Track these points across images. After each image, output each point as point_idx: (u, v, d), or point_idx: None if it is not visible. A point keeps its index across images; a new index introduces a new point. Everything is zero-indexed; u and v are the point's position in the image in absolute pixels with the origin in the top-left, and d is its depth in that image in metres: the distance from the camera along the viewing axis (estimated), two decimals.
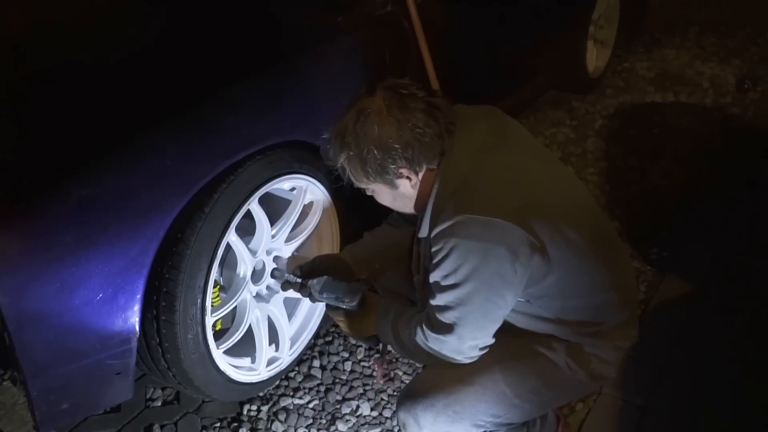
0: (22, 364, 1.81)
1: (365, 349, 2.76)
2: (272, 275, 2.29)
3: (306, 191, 2.41)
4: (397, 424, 2.46)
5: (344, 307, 2.06)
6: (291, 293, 2.20)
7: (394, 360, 2.72)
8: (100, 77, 2.20)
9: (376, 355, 2.71)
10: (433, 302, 1.87)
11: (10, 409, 2.44)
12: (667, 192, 3.76)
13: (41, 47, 2.38)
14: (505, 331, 1.93)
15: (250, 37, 2.46)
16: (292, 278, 2.13)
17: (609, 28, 4.75)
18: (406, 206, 1.98)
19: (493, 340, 1.90)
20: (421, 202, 1.92)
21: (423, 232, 1.90)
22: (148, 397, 2.56)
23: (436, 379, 1.99)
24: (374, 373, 2.69)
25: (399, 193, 1.91)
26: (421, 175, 1.87)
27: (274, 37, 2.48)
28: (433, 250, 1.83)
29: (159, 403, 2.55)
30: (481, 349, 1.90)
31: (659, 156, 4.08)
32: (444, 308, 1.84)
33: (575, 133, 4.36)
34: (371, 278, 2.35)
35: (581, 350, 1.98)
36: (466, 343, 1.87)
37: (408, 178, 1.86)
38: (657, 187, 3.81)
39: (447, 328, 1.85)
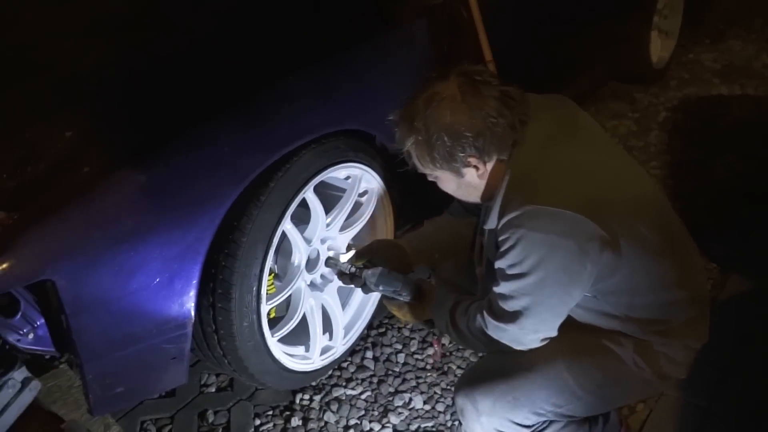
0: (79, 348, 1.84)
1: (419, 342, 2.74)
2: (326, 264, 2.29)
3: (361, 180, 2.40)
4: (453, 413, 2.45)
5: (400, 299, 2.06)
6: (345, 283, 2.19)
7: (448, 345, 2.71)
8: (159, 68, 2.22)
9: (434, 336, 2.71)
10: (496, 289, 1.84)
11: (65, 392, 2.48)
12: (733, 187, 3.65)
13: (101, 38, 2.41)
14: (570, 324, 1.90)
15: (307, 26, 2.45)
16: (347, 268, 2.12)
17: (673, 18, 4.64)
18: (470, 195, 1.94)
19: (555, 333, 1.87)
20: (488, 193, 1.89)
21: (491, 224, 1.86)
22: (202, 383, 2.59)
23: (496, 365, 1.97)
24: (432, 354, 2.68)
25: (464, 181, 1.88)
26: (489, 165, 1.84)
27: (330, 26, 2.46)
28: (500, 239, 1.79)
29: (213, 389, 2.57)
30: (542, 340, 1.87)
31: (724, 150, 3.96)
32: (508, 297, 1.81)
33: (637, 125, 4.27)
34: (430, 267, 2.33)
35: (650, 348, 1.93)
36: (528, 334, 1.84)
37: (476, 167, 1.83)
38: (722, 181, 3.70)
39: (509, 317, 1.82)
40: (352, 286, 2.16)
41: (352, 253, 2.20)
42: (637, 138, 4.12)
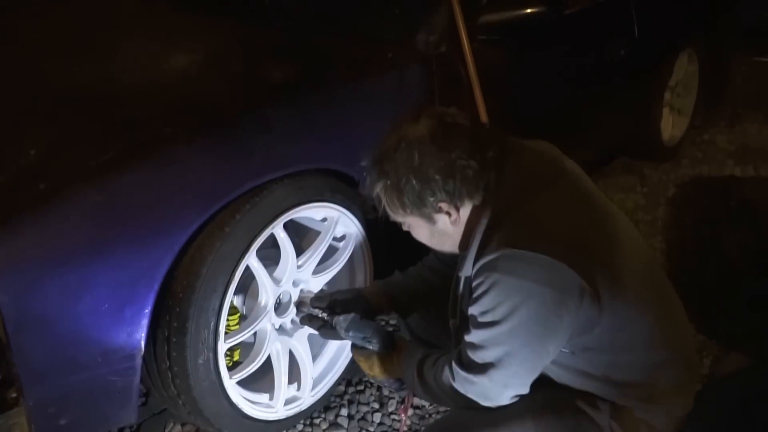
0: (19, 368, 1.74)
1: (398, 401, 2.60)
2: (296, 306, 2.19)
3: (337, 222, 2.31)
4: None
5: (370, 347, 1.95)
6: (312, 329, 2.11)
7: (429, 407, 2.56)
8: (145, 84, 2.20)
9: (401, 405, 2.55)
10: (467, 338, 1.72)
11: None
12: (742, 264, 3.51)
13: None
14: (543, 382, 1.77)
15: (299, 61, 2.42)
16: (315, 312, 2.03)
17: (687, 97, 4.56)
18: (445, 244, 1.85)
19: (526, 390, 1.74)
20: (465, 241, 1.79)
21: (466, 271, 1.77)
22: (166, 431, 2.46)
23: (460, 421, 1.84)
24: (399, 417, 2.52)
25: (437, 229, 1.79)
26: (463, 212, 1.74)
27: (322, 64, 2.42)
28: (474, 283, 1.69)
29: None
30: (513, 397, 1.74)
31: (735, 227, 3.83)
32: (478, 346, 1.69)
33: (646, 199, 4.16)
34: (394, 316, 2.23)
35: (629, 414, 1.79)
36: (497, 387, 1.71)
37: (448, 213, 1.74)
38: (731, 258, 3.56)
39: (478, 368, 1.70)
40: (318, 332, 2.08)
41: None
42: (645, 212, 4.01)
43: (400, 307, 2.21)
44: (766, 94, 5.80)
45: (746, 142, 4.99)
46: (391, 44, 2.56)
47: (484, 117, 2.67)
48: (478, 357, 1.69)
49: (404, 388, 2.04)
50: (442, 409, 2.54)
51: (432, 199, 1.70)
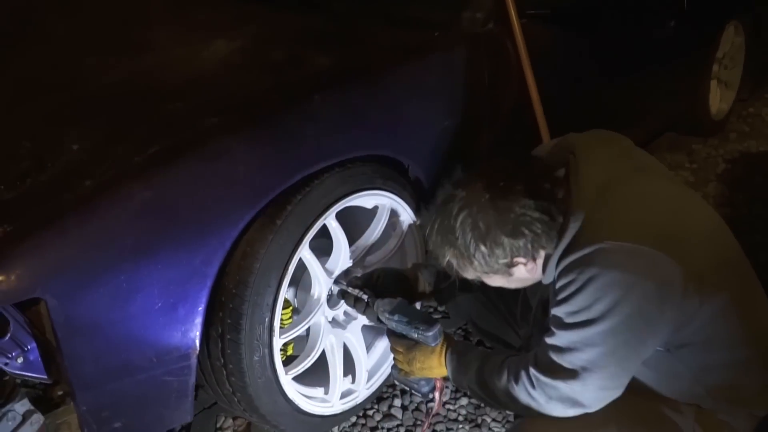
0: (71, 375, 1.69)
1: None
2: (338, 291, 2.13)
3: (389, 210, 2.24)
4: None
5: (415, 336, 1.85)
6: (357, 310, 2.04)
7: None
8: (187, 77, 2.14)
9: (431, 406, 2.42)
10: (551, 341, 1.63)
11: (75, 430, 2.33)
12: None
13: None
14: (626, 389, 1.67)
15: (344, 48, 2.35)
16: (356, 292, 1.96)
17: (734, 69, 4.45)
18: (524, 284, 1.80)
19: (621, 392, 1.64)
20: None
21: (548, 277, 1.69)
22: (218, 426, 2.42)
23: (542, 428, 1.73)
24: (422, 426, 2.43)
25: (513, 279, 1.74)
26: (539, 261, 1.68)
27: (368, 49, 2.35)
28: (561, 284, 1.61)
29: None
30: (605, 401, 1.64)
31: None
32: (567, 350, 1.60)
33: (695, 176, 4.05)
34: (439, 303, 2.15)
35: (712, 417, 1.72)
36: (593, 392, 1.61)
37: (524, 264, 1.68)
38: None
39: (568, 374, 1.60)
40: (357, 313, 2.02)
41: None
42: (695, 189, 3.87)
43: (443, 295, 2.16)
44: None
45: None
46: (436, 24, 2.48)
47: (535, 97, 2.59)
48: (567, 361, 1.60)
49: (432, 396, 1.95)
50: None
51: (505, 260, 1.65)
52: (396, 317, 1.86)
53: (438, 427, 2.40)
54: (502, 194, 1.62)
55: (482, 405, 2.46)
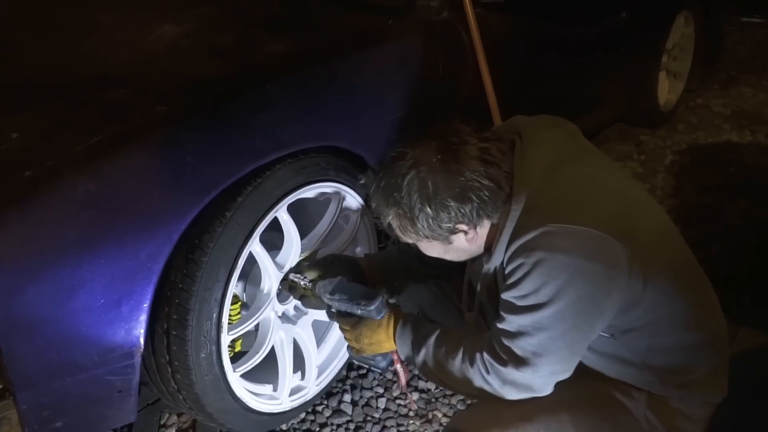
0: (11, 374, 1.61)
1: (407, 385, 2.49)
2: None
3: (342, 202, 2.19)
4: None
5: (359, 312, 1.81)
6: (295, 298, 2.04)
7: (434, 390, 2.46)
8: (134, 62, 2.05)
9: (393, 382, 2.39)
10: (502, 326, 1.62)
11: (16, 425, 2.25)
12: (745, 234, 3.44)
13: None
14: (578, 372, 1.67)
15: (295, 35, 2.28)
16: (299, 278, 1.93)
17: (683, 60, 4.48)
18: (460, 257, 1.78)
19: (569, 374, 1.64)
20: (489, 240, 1.70)
21: (494, 261, 1.67)
22: (162, 423, 2.34)
23: (491, 414, 1.72)
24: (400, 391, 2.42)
25: (452, 247, 1.71)
26: (480, 230, 1.67)
27: (321, 35, 2.29)
28: (510, 268, 1.59)
29: (173, 431, 2.32)
30: (555, 384, 1.64)
31: (736, 195, 3.76)
32: (518, 335, 1.59)
33: (643, 167, 4.07)
34: (388, 293, 2.11)
35: (665, 403, 1.72)
36: (544, 377, 1.61)
37: (465, 232, 1.66)
38: (734, 228, 3.49)
39: (519, 359, 1.59)
40: (300, 301, 2.01)
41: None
42: (644, 180, 3.91)
43: (393, 286, 2.14)
44: (759, 56, 5.74)
45: (741, 105, 4.94)
46: (390, 11, 2.43)
47: (489, 85, 2.57)
48: (518, 347, 1.59)
49: (391, 369, 1.92)
50: (449, 392, 2.45)
51: (448, 225, 1.63)
52: (337, 296, 1.82)
53: (388, 423, 2.37)
54: (454, 157, 1.60)
55: (433, 400, 2.43)
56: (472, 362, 1.67)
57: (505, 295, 1.62)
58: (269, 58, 2.10)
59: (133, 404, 1.83)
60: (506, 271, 1.62)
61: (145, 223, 1.71)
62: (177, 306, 1.81)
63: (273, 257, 2.06)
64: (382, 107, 2.25)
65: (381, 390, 2.50)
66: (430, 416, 2.39)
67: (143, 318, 1.75)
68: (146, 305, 1.75)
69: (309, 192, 2.06)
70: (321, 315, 2.23)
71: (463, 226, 1.64)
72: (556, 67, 3.11)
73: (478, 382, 1.66)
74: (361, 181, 1.86)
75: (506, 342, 1.60)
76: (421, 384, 2.49)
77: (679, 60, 4.45)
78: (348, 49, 2.21)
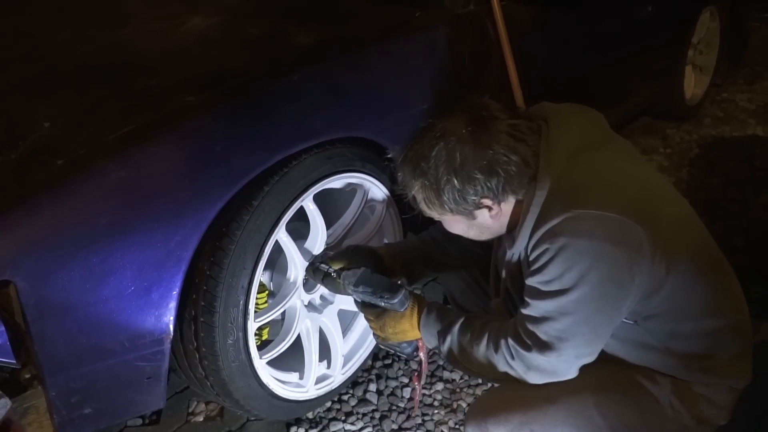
0: (41, 359, 1.64)
1: (428, 375, 2.51)
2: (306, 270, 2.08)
3: (367, 193, 2.20)
4: None
5: (382, 304, 1.83)
6: (319, 286, 2.07)
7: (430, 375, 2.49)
8: (164, 52, 2.06)
9: (414, 372, 2.38)
10: (526, 312, 1.63)
11: (42, 414, 2.27)
12: None
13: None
14: (602, 357, 1.68)
15: (323, 26, 2.29)
16: (324, 267, 1.93)
17: (709, 54, 4.46)
18: (482, 235, 1.79)
19: (594, 358, 1.65)
20: (513, 222, 1.71)
21: (519, 245, 1.68)
22: (190, 410, 2.37)
23: (514, 395, 1.74)
24: (413, 390, 2.42)
25: (476, 223, 1.73)
26: (504, 206, 1.68)
27: (349, 27, 2.30)
28: (535, 254, 1.60)
29: (201, 419, 2.35)
30: (579, 369, 1.65)
31: (762, 190, 3.73)
32: (543, 320, 1.59)
33: (669, 161, 4.05)
34: (408, 283, 2.12)
35: (689, 389, 1.72)
36: (569, 361, 1.62)
37: (489, 208, 1.67)
38: (759, 221, 3.46)
39: (544, 345, 1.60)
40: (324, 285, 1.98)
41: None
42: (669, 174, 3.90)
43: (413, 274, 2.14)
44: None
45: (766, 100, 4.89)
46: (418, 3, 2.43)
47: (514, 78, 2.56)
48: (543, 332, 1.60)
49: (416, 355, 1.92)
50: (473, 381, 2.46)
51: (474, 198, 1.64)
52: (361, 288, 1.83)
53: (413, 412, 2.38)
54: (484, 129, 1.62)
55: (458, 390, 2.44)
56: (496, 348, 1.67)
57: (530, 281, 1.62)
58: (297, 49, 2.11)
59: (163, 390, 1.85)
60: (530, 258, 1.62)
61: (174, 211, 1.73)
62: (205, 293, 1.83)
63: (299, 246, 2.08)
64: (408, 99, 2.26)
65: (406, 380, 2.51)
66: (454, 406, 2.40)
67: (173, 305, 1.77)
68: (175, 292, 1.77)
69: (335, 182, 2.07)
70: (347, 305, 2.26)
71: (488, 201, 1.65)
72: (582, 60, 3.10)
73: (503, 367, 1.67)
74: (389, 155, 1.89)
75: (531, 327, 1.61)
76: (446, 374, 2.50)
77: (704, 54, 4.42)
78: (375, 41, 2.22)
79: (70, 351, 1.67)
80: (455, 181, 1.62)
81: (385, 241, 2.37)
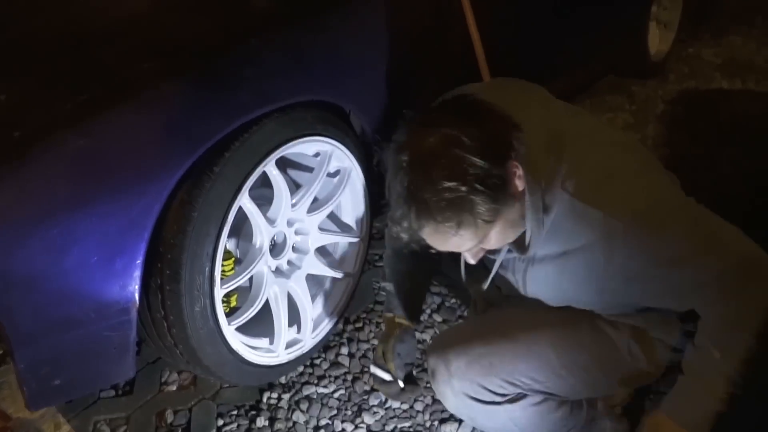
0: (8, 330, 1.63)
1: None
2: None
3: (331, 157, 2.19)
4: (433, 413, 2.27)
5: None
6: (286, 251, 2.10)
7: None
8: (119, 19, 2.02)
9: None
10: (687, 275, 1.54)
11: (16, 390, 2.28)
12: (737, 181, 3.46)
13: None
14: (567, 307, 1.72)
15: None
16: (385, 376, 2.02)
17: (673, 10, 4.46)
18: (517, 229, 1.61)
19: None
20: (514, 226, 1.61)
21: (535, 249, 1.63)
22: (162, 380, 2.38)
23: (476, 329, 1.82)
24: None
25: (519, 204, 1.55)
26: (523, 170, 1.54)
27: None
28: (616, 261, 1.54)
29: (174, 388, 2.36)
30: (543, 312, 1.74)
31: (727, 144, 3.78)
32: (701, 251, 1.53)
33: (635, 118, 4.08)
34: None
35: (646, 334, 1.76)
36: (751, 250, 1.58)
37: (516, 170, 1.51)
38: (725, 176, 3.51)
39: (731, 262, 1.54)
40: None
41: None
42: (635, 131, 3.93)
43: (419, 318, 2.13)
44: (749, 5, 5.71)
45: (732, 54, 4.94)
46: None
47: (476, 39, 2.56)
48: (712, 263, 1.53)
49: None
50: None
51: (500, 173, 1.47)
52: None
53: None
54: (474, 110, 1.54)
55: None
56: (730, 329, 1.54)
57: (643, 275, 1.56)
58: (254, 13, 2.09)
59: (131, 360, 1.86)
60: (613, 270, 1.56)
61: (135, 180, 1.72)
62: (170, 261, 1.83)
63: (264, 212, 2.08)
64: (368, 61, 2.25)
65: (377, 342, 2.53)
66: (425, 365, 2.42)
67: (137, 274, 1.77)
68: (139, 261, 1.76)
69: (297, 147, 2.06)
70: (315, 269, 2.27)
71: (514, 162, 1.50)
72: (545, 19, 3.10)
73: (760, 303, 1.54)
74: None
75: (711, 281, 1.53)
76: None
77: (669, 10, 4.43)
78: (334, 3, 2.20)
79: (36, 323, 1.67)
80: (476, 159, 1.43)
81: (349, 201, 2.38)
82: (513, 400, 1.79)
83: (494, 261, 1.77)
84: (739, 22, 5.44)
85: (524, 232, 1.62)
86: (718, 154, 3.69)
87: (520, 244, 1.65)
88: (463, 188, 1.42)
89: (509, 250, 1.71)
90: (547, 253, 1.63)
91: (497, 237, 1.56)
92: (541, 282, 1.72)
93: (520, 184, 1.51)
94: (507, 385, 1.76)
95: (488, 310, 1.99)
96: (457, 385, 1.79)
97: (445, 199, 1.44)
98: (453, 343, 1.81)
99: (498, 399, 1.78)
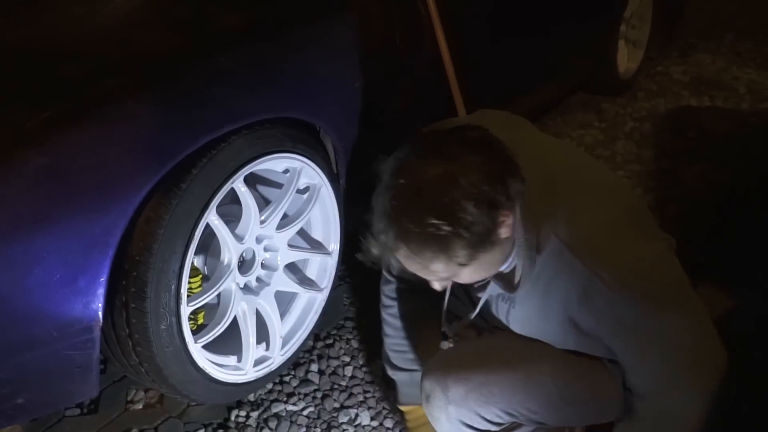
0: None
1: (367, 354, 2.52)
2: None
3: (300, 174, 2.18)
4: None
5: None
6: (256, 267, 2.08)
7: None
8: (85, 35, 2.01)
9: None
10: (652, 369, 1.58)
11: None
12: (703, 197, 3.50)
13: None
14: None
15: (249, 7, 2.24)
16: None
17: (642, 28, 4.53)
18: (495, 266, 1.59)
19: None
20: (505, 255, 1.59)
21: (524, 288, 1.61)
22: (129, 399, 2.34)
23: (476, 356, 1.77)
24: None
25: (498, 250, 1.52)
26: (515, 217, 1.51)
27: (276, 8, 2.26)
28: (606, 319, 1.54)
29: (140, 406, 2.33)
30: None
31: (694, 160, 3.82)
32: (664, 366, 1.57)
33: (604, 135, 4.12)
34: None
35: None
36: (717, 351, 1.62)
37: (503, 221, 1.47)
38: (692, 191, 3.55)
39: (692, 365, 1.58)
40: None
41: None
42: (604, 147, 3.97)
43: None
44: (717, 23, 5.80)
45: (700, 72, 5.00)
46: None
47: (446, 56, 2.58)
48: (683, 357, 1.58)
49: None
50: None
51: (495, 217, 1.44)
52: None
53: (355, 390, 2.40)
54: (448, 149, 1.47)
55: None
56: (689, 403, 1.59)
57: (622, 342, 1.59)
58: (223, 30, 2.08)
59: (95, 378, 1.83)
60: (591, 324, 1.58)
61: (99, 198, 1.70)
62: (135, 279, 1.81)
63: (232, 229, 2.07)
64: (338, 78, 2.25)
65: (348, 359, 2.52)
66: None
67: (101, 292, 1.74)
68: (103, 279, 1.74)
69: (265, 164, 2.05)
70: (285, 286, 2.26)
71: (505, 211, 1.46)
72: (515, 36, 3.12)
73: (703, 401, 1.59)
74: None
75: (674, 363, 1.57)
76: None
77: (637, 29, 4.49)
78: (303, 20, 2.20)
79: None
80: (470, 206, 1.40)
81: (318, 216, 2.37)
82: (507, 430, 1.79)
83: (479, 298, 1.77)
84: (709, 39, 5.52)
85: (514, 271, 1.61)
86: (686, 170, 3.73)
87: (509, 283, 1.63)
88: (447, 228, 1.39)
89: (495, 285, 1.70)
90: (529, 294, 1.63)
91: (469, 275, 1.54)
92: (526, 324, 1.73)
93: (504, 232, 1.49)
94: (504, 414, 1.73)
95: (494, 331, 1.96)
96: (453, 413, 1.75)
97: (427, 233, 1.41)
98: (452, 368, 1.76)
99: (493, 428, 1.76)
